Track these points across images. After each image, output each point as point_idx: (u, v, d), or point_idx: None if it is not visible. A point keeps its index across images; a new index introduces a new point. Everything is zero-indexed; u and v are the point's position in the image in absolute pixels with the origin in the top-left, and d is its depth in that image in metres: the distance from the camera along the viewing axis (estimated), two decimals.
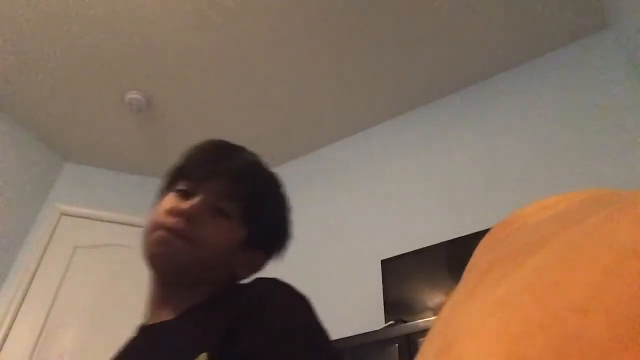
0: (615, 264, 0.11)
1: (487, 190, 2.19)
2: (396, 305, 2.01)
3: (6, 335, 2.44)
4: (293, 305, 0.62)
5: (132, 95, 2.67)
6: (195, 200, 0.69)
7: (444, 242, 2.06)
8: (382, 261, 2.19)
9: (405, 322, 1.71)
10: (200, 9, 2.31)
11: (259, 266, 0.77)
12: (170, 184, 0.76)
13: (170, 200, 0.71)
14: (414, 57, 2.48)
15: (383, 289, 2.10)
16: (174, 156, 2.91)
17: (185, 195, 0.71)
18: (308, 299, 0.64)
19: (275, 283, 0.65)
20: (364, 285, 2.23)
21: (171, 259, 0.67)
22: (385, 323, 1.85)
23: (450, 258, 2.00)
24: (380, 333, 1.68)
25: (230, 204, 0.71)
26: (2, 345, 2.41)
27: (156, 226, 0.68)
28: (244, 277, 0.75)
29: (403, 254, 2.15)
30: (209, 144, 0.83)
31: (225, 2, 2.28)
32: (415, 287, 2.01)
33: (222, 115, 2.82)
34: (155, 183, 3.23)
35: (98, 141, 2.98)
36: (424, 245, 2.12)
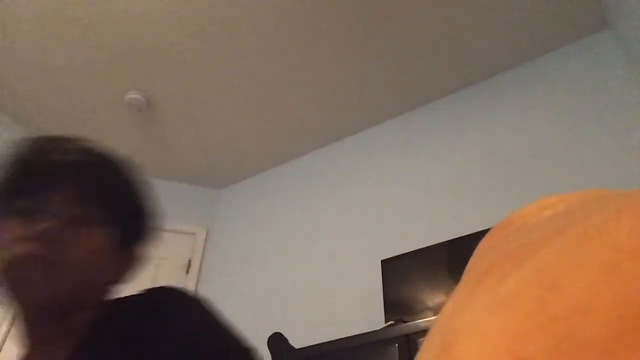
0: (615, 264, 0.11)
1: (487, 191, 2.19)
2: (396, 305, 2.01)
3: (6, 336, 2.44)
4: (197, 315, 0.59)
5: (132, 95, 2.67)
6: (46, 216, 0.56)
7: (444, 242, 2.06)
8: (382, 261, 2.19)
9: (405, 322, 1.71)
10: (200, 9, 2.31)
11: (133, 266, 0.68)
12: (4, 204, 0.60)
13: (15, 224, 0.56)
14: (415, 57, 2.48)
15: (383, 289, 2.10)
16: (173, 156, 2.94)
17: (30, 212, 0.57)
18: (205, 300, 0.61)
19: (169, 293, 0.60)
20: (364, 285, 2.23)
21: (40, 293, 0.55)
22: (385, 323, 1.85)
23: (450, 258, 2.00)
24: (380, 333, 1.68)
25: (87, 207, 0.60)
26: (2, 346, 2.41)
27: (10, 260, 0.54)
28: (122, 282, 0.67)
29: (403, 254, 2.15)
30: (36, 143, 0.66)
31: (225, 4, 2.28)
32: (415, 287, 2.01)
33: (221, 115, 2.82)
34: (155, 183, 3.22)
35: (98, 141, 2.97)
36: (424, 245, 2.12)
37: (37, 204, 0.58)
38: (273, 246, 2.76)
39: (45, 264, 0.54)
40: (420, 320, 1.64)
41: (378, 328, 1.78)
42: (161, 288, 0.61)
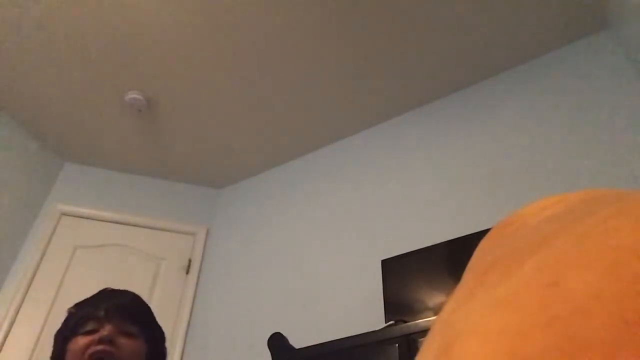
0: (615, 263, 0.11)
1: (487, 190, 2.19)
2: (396, 305, 2.01)
3: (6, 336, 2.44)
4: None
5: (132, 95, 2.67)
6: (107, 327, 0.93)
7: (444, 242, 2.06)
8: (382, 261, 2.19)
9: (405, 322, 1.71)
10: (200, 9, 2.31)
11: None
12: (73, 331, 0.96)
13: (84, 339, 0.93)
14: (415, 57, 2.48)
15: (383, 289, 2.10)
16: (174, 156, 2.95)
17: (91, 333, 0.93)
18: None
19: None
20: (364, 285, 2.23)
21: None
22: (385, 323, 1.85)
23: (450, 258, 2.00)
24: (380, 333, 1.68)
25: (132, 326, 0.97)
26: (2, 346, 2.41)
27: (89, 357, 0.89)
28: None
29: (403, 254, 2.15)
30: (98, 292, 1.06)
31: (226, 5, 2.28)
32: (415, 287, 2.01)
33: (221, 115, 2.82)
34: (155, 183, 3.24)
35: (98, 141, 2.98)
36: (424, 245, 2.12)
37: (98, 326, 0.94)
38: (273, 246, 2.76)
39: (110, 357, 0.90)
40: (420, 320, 1.64)
41: (378, 328, 1.78)
42: None
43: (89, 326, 0.94)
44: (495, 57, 2.46)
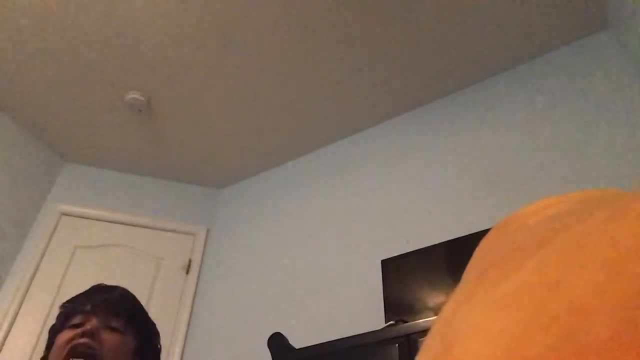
0: (616, 264, 0.11)
1: (487, 190, 2.19)
2: (396, 305, 2.01)
3: (6, 335, 2.44)
4: None
5: (132, 95, 2.67)
6: (92, 321, 0.94)
7: (444, 242, 2.06)
8: (382, 261, 2.19)
9: (405, 322, 1.71)
10: (199, 10, 2.31)
11: None
12: (61, 325, 0.97)
13: (69, 332, 0.93)
14: (415, 57, 2.48)
15: (383, 289, 2.10)
16: (174, 156, 2.95)
17: (78, 327, 0.94)
18: None
19: None
20: (364, 285, 2.23)
21: None
22: (385, 323, 1.85)
23: (450, 258, 2.00)
24: (380, 333, 1.68)
25: (118, 321, 0.97)
26: (2, 346, 2.41)
27: (70, 350, 0.90)
28: None
29: (403, 254, 2.15)
30: (89, 288, 1.07)
31: (225, 5, 2.28)
32: (415, 287, 2.01)
33: (221, 115, 2.82)
34: (155, 183, 3.23)
35: (98, 141, 2.98)
36: (424, 245, 2.12)
37: (85, 320, 0.95)
38: (273, 246, 2.76)
39: (90, 350, 0.91)
40: (420, 320, 1.64)
41: (378, 328, 1.78)
42: None
43: (76, 320, 0.95)
44: (495, 57, 2.46)
